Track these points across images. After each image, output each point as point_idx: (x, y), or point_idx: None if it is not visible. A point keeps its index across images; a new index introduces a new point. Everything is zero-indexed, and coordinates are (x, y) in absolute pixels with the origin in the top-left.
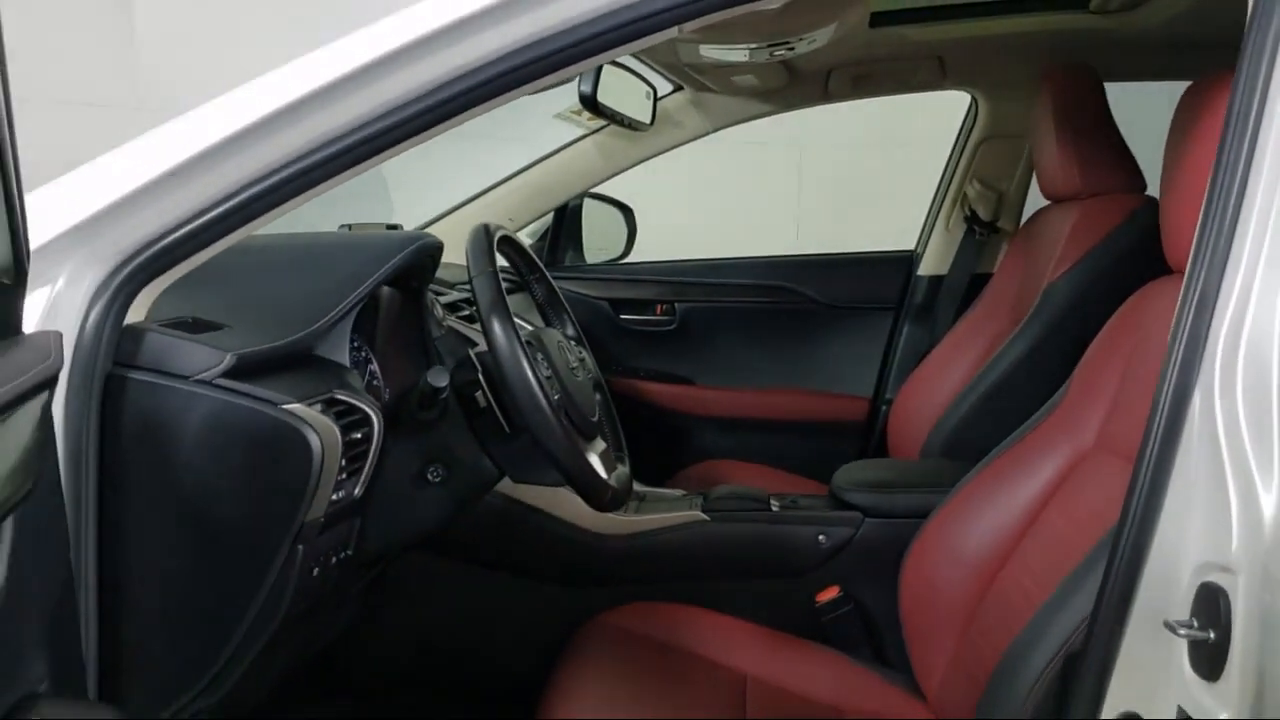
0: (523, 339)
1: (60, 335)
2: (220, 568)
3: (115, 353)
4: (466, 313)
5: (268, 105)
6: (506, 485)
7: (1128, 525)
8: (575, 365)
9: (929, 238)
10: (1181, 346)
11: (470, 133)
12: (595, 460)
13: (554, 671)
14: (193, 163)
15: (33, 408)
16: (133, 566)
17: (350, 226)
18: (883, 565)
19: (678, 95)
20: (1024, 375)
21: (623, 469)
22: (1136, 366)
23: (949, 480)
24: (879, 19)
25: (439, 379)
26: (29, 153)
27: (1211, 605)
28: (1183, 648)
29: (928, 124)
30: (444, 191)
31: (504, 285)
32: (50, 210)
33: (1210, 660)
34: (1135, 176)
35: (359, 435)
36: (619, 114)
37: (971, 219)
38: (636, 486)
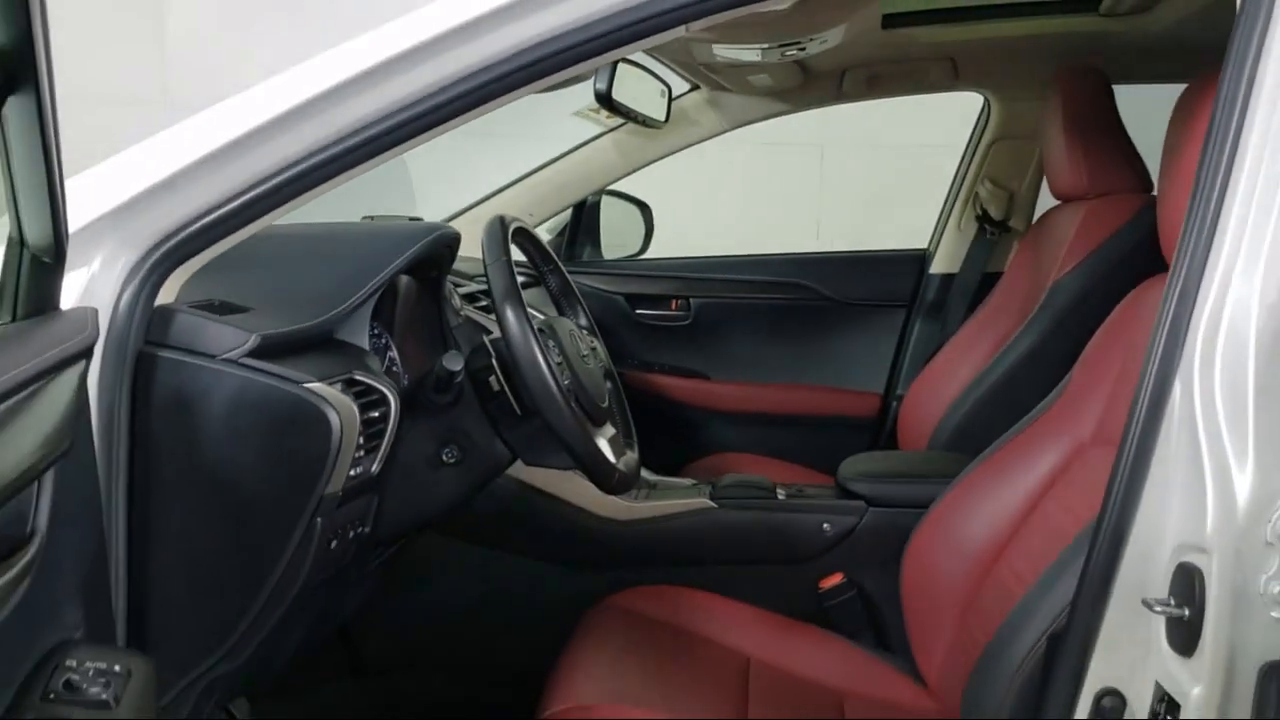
0: (535, 326)
1: (95, 311)
2: (242, 537)
3: (146, 332)
4: (484, 303)
5: (292, 99)
6: (520, 471)
7: (1109, 508)
8: (586, 353)
9: (941, 236)
10: (1163, 337)
11: (493, 131)
12: (604, 444)
13: (563, 651)
14: (221, 153)
15: (70, 376)
16: (159, 534)
17: (372, 218)
18: (885, 553)
19: (694, 94)
20: (1029, 370)
21: (631, 455)
22: (1133, 361)
23: (952, 472)
24: (891, 20)
25: (454, 363)
26: (66, 146)
27: (1187, 584)
28: (1160, 626)
29: (951, 126)
30: (466, 187)
31: (521, 279)
32: (88, 196)
33: (1185, 637)
34: (1142, 177)
35: (376, 414)
36: (634, 111)
37: (983, 218)
38: (648, 475)
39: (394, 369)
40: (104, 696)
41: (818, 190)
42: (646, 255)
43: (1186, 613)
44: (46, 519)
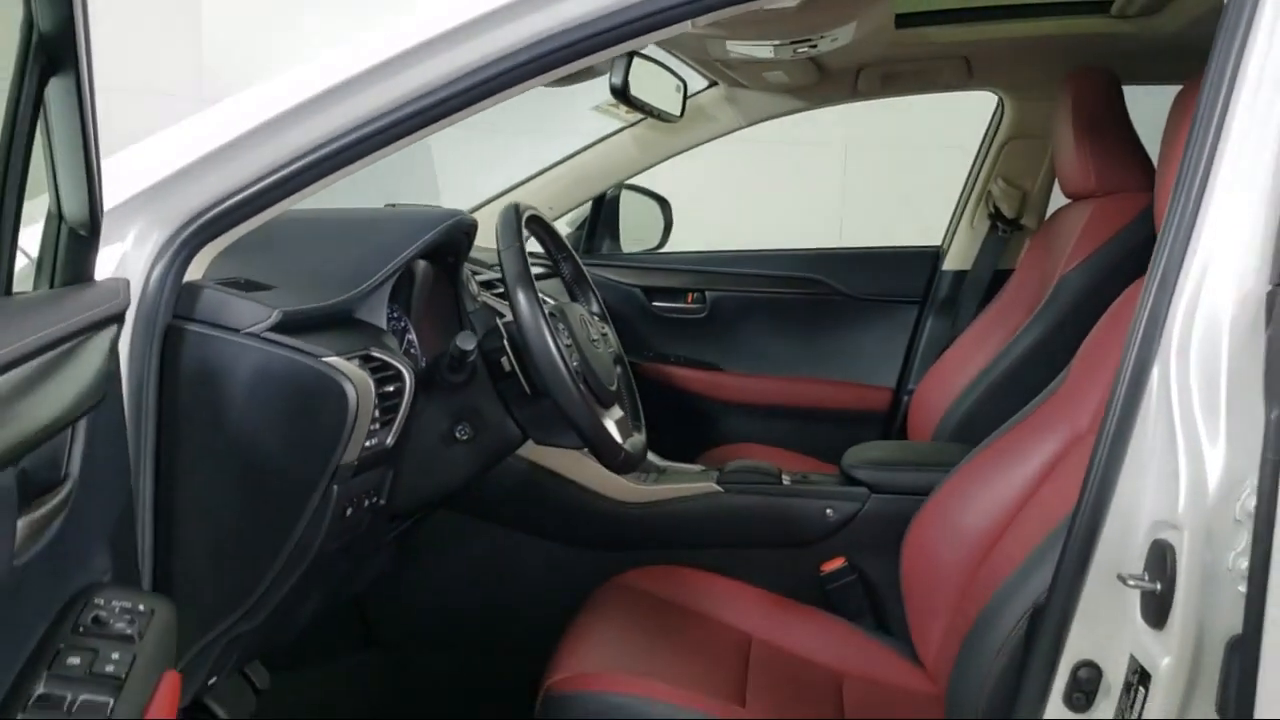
0: (546, 310)
1: (127, 282)
2: (262, 502)
3: (175, 306)
4: (500, 290)
5: (313, 88)
6: (532, 452)
7: (1089, 487)
8: (596, 338)
9: (954, 234)
10: (1143, 324)
11: (516, 128)
12: (611, 425)
13: (569, 625)
14: (247, 138)
15: (103, 338)
16: (184, 497)
17: (394, 206)
18: (886, 539)
19: (713, 91)
20: (1033, 364)
21: (638, 437)
22: None
23: (953, 461)
24: (904, 20)
25: (466, 342)
26: (104, 134)
27: (1160, 560)
28: (1135, 600)
29: (975, 127)
30: (489, 181)
31: (538, 270)
32: (122, 177)
33: (1157, 610)
34: (1149, 175)
35: (391, 389)
36: (648, 105)
37: (995, 216)
38: (657, 461)
39: (412, 350)
40: (129, 631)
41: (841, 189)
42: (664, 249)
43: (1158, 587)
44: (79, 466)
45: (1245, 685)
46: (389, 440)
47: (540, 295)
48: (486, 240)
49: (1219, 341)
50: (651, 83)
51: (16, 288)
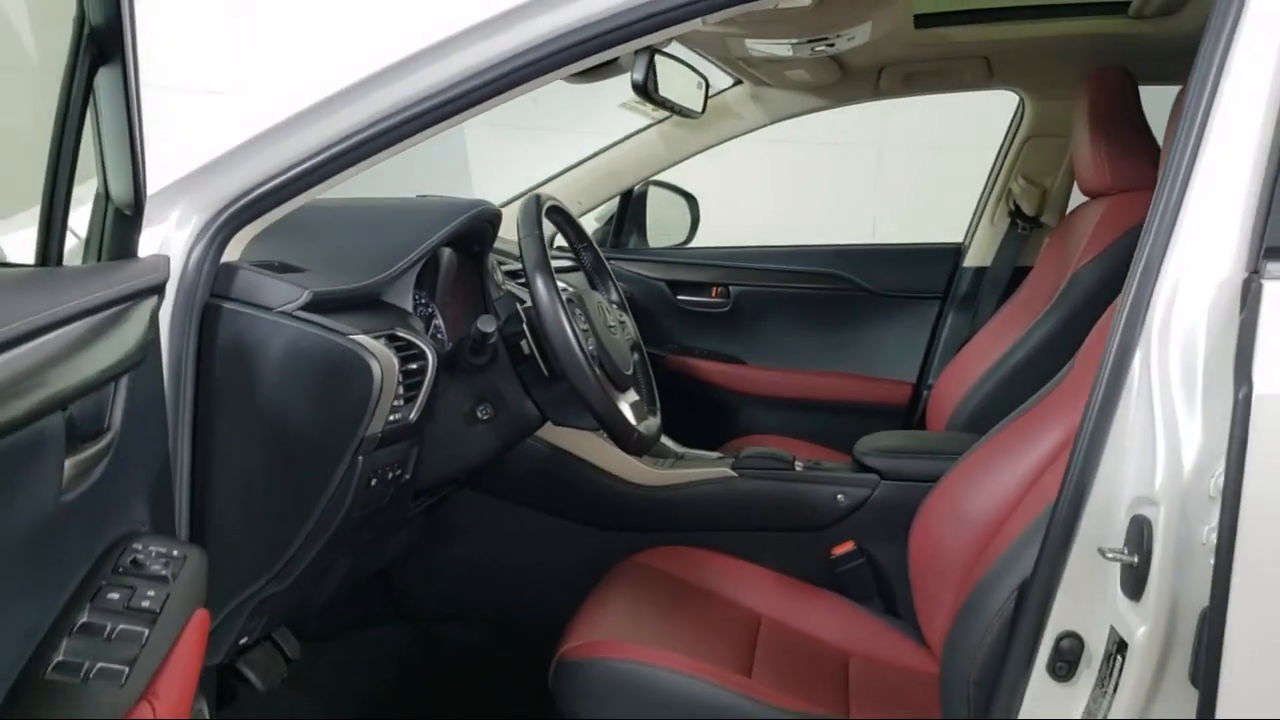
0: (563, 296)
1: (167, 258)
2: (292, 470)
3: (212, 285)
4: (525, 279)
5: (342, 82)
6: (553, 435)
7: (1073, 466)
8: (614, 325)
9: (975, 231)
10: (1127, 308)
11: (546, 126)
12: (625, 408)
13: (585, 601)
14: (280, 127)
15: (145, 306)
16: (218, 463)
17: (424, 198)
18: (895, 524)
19: (738, 89)
20: (1045, 357)
21: (652, 420)
22: None
23: (962, 450)
24: (924, 20)
25: (487, 325)
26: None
27: (1139, 534)
28: (1115, 573)
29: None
30: (519, 176)
31: (565, 263)
32: (165, 163)
33: (1134, 582)
34: None
35: (414, 367)
36: (670, 102)
37: (1015, 214)
38: (675, 447)
39: (439, 335)
40: (164, 573)
41: (875, 189)
42: (692, 245)
43: (1136, 560)
44: (120, 419)
45: (1212, 655)
46: (412, 416)
47: (559, 282)
48: (511, 233)
49: (1198, 327)
50: (674, 80)
51: (67, 263)
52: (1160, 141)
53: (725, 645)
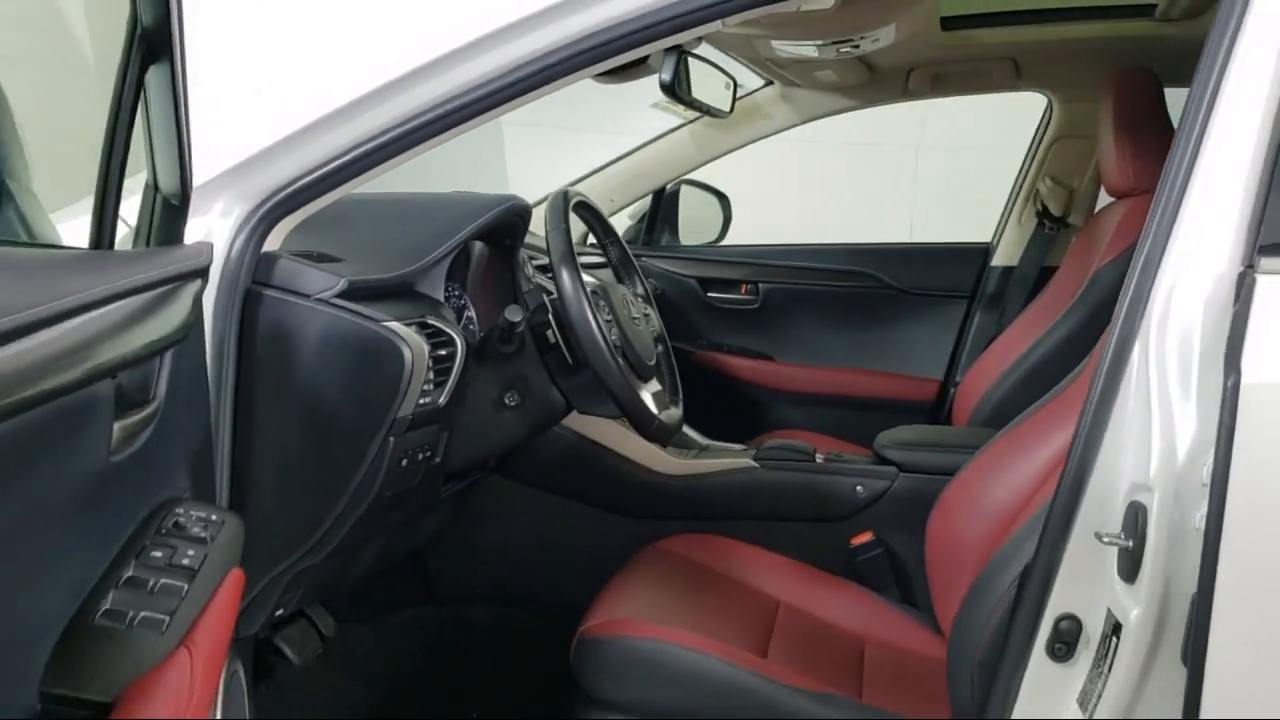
0: (588, 288)
1: (211, 245)
2: (327, 447)
3: (254, 273)
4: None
5: (374, 81)
6: (580, 425)
7: (1074, 453)
8: (638, 317)
9: (1003, 231)
10: (1127, 301)
11: (582, 126)
12: (647, 397)
13: (608, 583)
14: (320, 123)
15: (190, 288)
16: (258, 441)
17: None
18: (913, 515)
19: (768, 89)
20: (1065, 354)
21: (674, 410)
22: None
23: (980, 444)
24: (951, 23)
25: (514, 315)
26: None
27: (1134, 519)
28: (1113, 557)
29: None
30: (555, 174)
31: (593, 260)
32: (210, 156)
33: (1129, 566)
34: None
35: (444, 353)
36: (698, 102)
37: (1043, 214)
38: (700, 439)
39: (471, 325)
40: (203, 535)
41: (913, 190)
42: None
43: (1131, 544)
44: (164, 390)
45: (1199, 637)
46: (441, 400)
47: (584, 275)
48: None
49: (1194, 320)
50: (702, 80)
51: (118, 248)
52: None
53: (742, 628)
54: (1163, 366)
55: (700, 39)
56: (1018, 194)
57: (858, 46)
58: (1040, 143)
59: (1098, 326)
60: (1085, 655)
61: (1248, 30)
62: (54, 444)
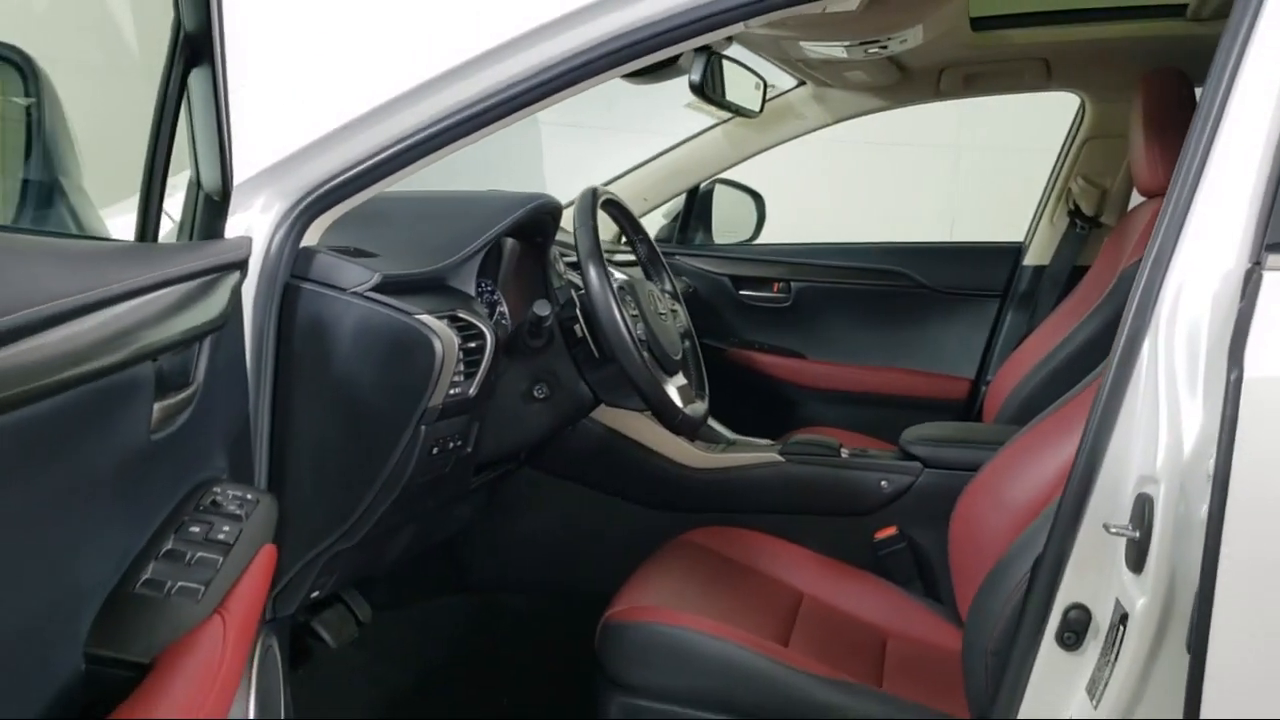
0: (615, 284)
1: (250, 238)
2: (361, 435)
3: (292, 267)
4: None
5: (408, 83)
6: (608, 418)
7: (1085, 444)
8: (664, 313)
9: (1035, 230)
10: (1137, 296)
11: (617, 126)
12: (672, 391)
13: (635, 572)
14: (356, 123)
15: (229, 279)
16: (295, 428)
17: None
18: (937, 510)
19: (801, 90)
20: (1091, 352)
21: (699, 404)
22: None
23: (1004, 440)
24: (980, 23)
25: (542, 309)
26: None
27: (1142, 511)
28: (1121, 548)
29: None
30: (591, 173)
31: (623, 257)
32: (251, 154)
33: (1137, 556)
34: None
35: (474, 346)
36: (727, 102)
37: (1075, 213)
38: (728, 433)
39: (503, 320)
40: (239, 513)
41: (953, 190)
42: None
43: (1138, 535)
44: (203, 375)
45: (1201, 627)
46: (471, 391)
47: (612, 271)
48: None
49: (1202, 315)
50: (732, 81)
51: (162, 241)
52: None
53: (765, 617)
54: (1171, 361)
55: (730, 40)
56: (1050, 194)
57: (885, 47)
58: (1072, 142)
59: None
60: (1094, 644)
61: (1260, 31)
62: (99, 420)
